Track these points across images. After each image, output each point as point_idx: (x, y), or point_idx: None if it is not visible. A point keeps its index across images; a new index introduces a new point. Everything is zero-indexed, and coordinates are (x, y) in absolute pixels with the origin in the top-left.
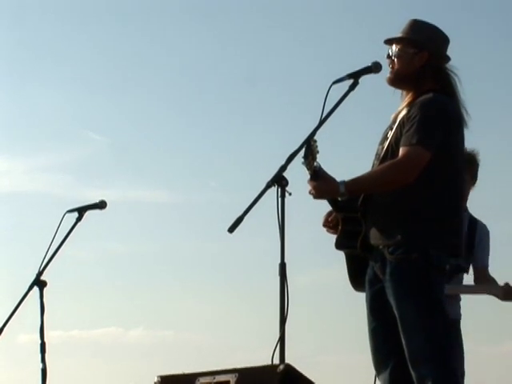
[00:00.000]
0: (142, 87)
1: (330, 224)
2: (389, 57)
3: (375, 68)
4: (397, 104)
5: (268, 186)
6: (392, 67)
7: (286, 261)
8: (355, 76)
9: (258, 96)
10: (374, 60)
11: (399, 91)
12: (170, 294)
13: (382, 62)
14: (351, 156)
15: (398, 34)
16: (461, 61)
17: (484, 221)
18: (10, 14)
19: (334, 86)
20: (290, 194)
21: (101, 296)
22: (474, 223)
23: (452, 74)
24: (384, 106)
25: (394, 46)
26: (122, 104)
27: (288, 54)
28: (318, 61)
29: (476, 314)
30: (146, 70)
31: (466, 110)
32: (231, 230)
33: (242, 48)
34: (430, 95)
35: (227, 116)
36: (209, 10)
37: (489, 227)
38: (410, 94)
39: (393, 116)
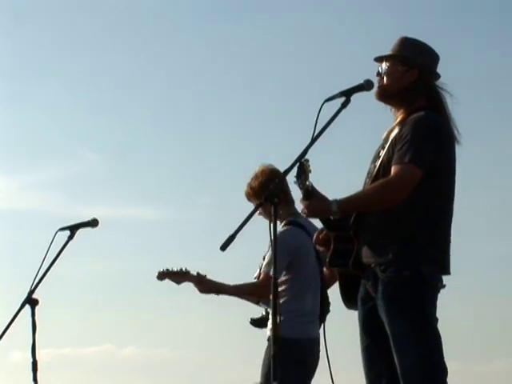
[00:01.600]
0: (135, 104)
1: (321, 242)
2: (378, 74)
3: (367, 86)
4: (389, 122)
5: (260, 203)
6: (381, 83)
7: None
8: (347, 94)
9: (250, 113)
10: (365, 78)
11: (390, 110)
12: (162, 312)
13: (374, 80)
14: (343, 174)
15: (388, 52)
16: (451, 76)
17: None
18: (6, 31)
19: (325, 104)
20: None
21: (93, 314)
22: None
23: (442, 91)
24: (376, 124)
25: (383, 64)
26: (115, 121)
27: (282, 71)
28: (311, 79)
29: (465, 331)
30: (138, 88)
31: (456, 128)
32: (223, 248)
33: (234, 66)
34: (422, 113)
35: (219, 133)
36: (201, 31)
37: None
38: (401, 112)
39: (385, 134)
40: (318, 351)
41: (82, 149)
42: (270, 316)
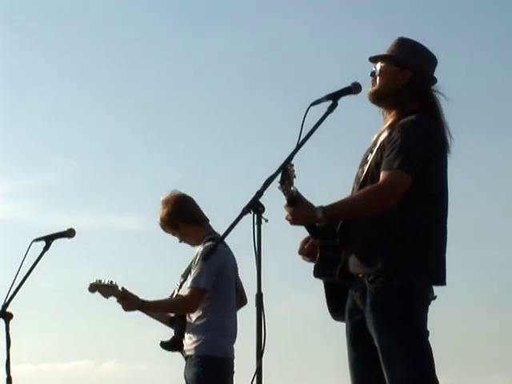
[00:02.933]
0: (112, 110)
1: (306, 251)
2: (372, 74)
3: (355, 89)
4: (378, 126)
5: (244, 212)
6: (374, 84)
7: (263, 290)
8: (334, 97)
9: (233, 120)
10: (353, 81)
11: (381, 114)
12: (143, 326)
13: (362, 83)
14: (330, 180)
15: (384, 52)
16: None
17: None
18: None
19: (311, 108)
20: (266, 220)
21: (71, 328)
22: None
23: (437, 95)
24: (364, 128)
25: (378, 64)
26: (92, 128)
27: (269, 75)
28: (296, 82)
29: (461, 344)
30: (116, 94)
31: (449, 134)
32: (206, 258)
33: (218, 72)
34: (413, 117)
35: (200, 141)
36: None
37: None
38: (391, 115)
39: (374, 138)
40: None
41: (58, 156)
42: (188, 336)
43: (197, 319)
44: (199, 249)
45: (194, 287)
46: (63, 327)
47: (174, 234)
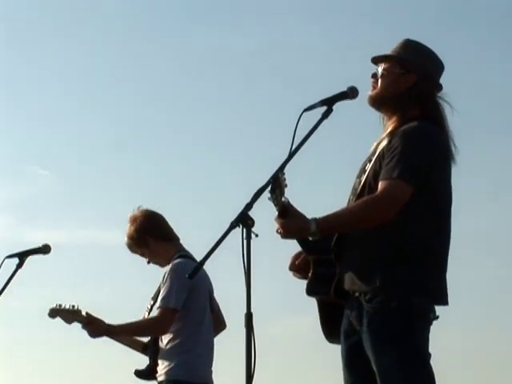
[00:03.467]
0: (89, 118)
1: (297, 267)
2: (374, 76)
3: (351, 93)
4: (377, 133)
5: (232, 226)
6: (375, 86)
7: (253, 310)
8: (329, 102)
9: (222, 128)
10: (350, 85)
11: (381, 120)
12: (117, 353)
13: (359, 87)
14: (324, 191)
15: (388, 53)
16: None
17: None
18: None
19: (305, 114)
20: (256, 235)
21: (46, 351)
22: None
23: (442, 102)
24: (362, 136)
25: (380, 65)
26: (68, 136)
27: (258, 81)
28: (288, 87)
29: (466, 368)
30: (93, 101)
31: (453, 143)
32: (191, 276)
33: (204, 78)
34: (415, 123)
35: (182, 151)
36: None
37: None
38: (392, 121)
39: (373, 146)
40: None
41: (32, 166)
42: (160, 361)
43: (168, 342)
44: (168, 267)
45: (163, 307)
46: (38, 350)
47: (142, 254)
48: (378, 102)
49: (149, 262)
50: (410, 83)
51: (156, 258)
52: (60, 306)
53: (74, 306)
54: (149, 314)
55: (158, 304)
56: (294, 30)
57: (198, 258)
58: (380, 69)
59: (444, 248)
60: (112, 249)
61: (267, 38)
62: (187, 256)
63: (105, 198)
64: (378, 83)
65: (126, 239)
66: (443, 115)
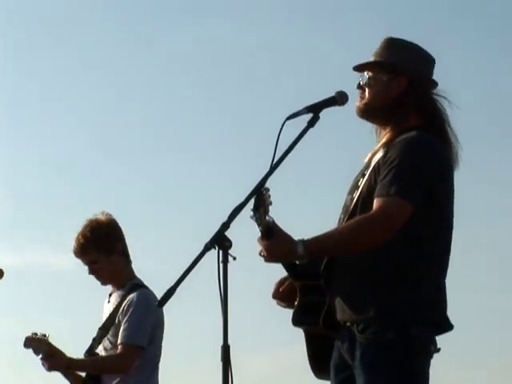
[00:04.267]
0: (41, 131)
1: (282, 295)
2: (360, 87)
3: (341, 99)
4: (370, 143)
5: (206, 248)
6: (363, 97)
7: (230, 342)
8: (315, 109)
9: (191, 136)
10: (338, 89)
11: (374, 130)
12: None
13: (348, 92)
14: (312, 208)
15: (370, 58)
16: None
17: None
18: None
19: (288, 123)
20: (234, 258)
21: None
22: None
23: (440, 100)
24: (354, 147)
25: (365, 74)
26: (18, 150)
27: (239, 82)
28: (272, 91)
29: None
30: (45, 113)
31: (457, 150)
32: (161, 304)
33: (175, 98)
34: (413, 133)
35: (150, 163)
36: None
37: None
38: (387, 132)
39: (366, 159)
40: None
41: None
42: None
43: (119, 383)
44: (132, 297)
45: (128, 344)
46: None
47: (94, 262)
48: (367, 114)
49: (93, 273)
50: (402, 87)
51: (110, 274)
52: (35, 334)
53: (45, 335)
54: (97, 347)
55: (121, 339)
56: (294, 31)
57: (165, 285)
58: (365, 77)
59: (444, 272)
60: (67, 274)
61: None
62: (147, 287)
63: (59, 220)
64: (365, 93)
65: (80, 238)
66: (444, 119)
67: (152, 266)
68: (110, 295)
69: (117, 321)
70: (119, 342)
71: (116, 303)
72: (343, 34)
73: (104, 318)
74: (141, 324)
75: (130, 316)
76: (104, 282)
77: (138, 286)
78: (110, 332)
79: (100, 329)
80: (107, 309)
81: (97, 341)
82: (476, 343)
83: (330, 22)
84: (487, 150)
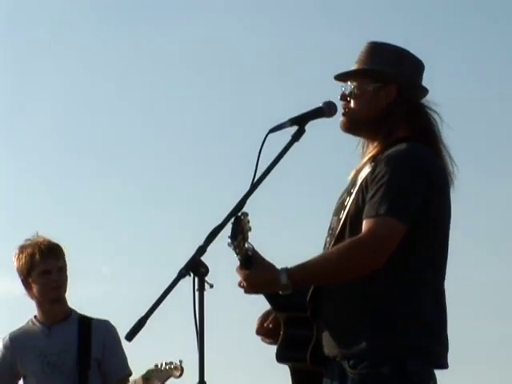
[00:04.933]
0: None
1: (266, 330)
2: (343, 98)
3: (328, 110)
4: (357, 157)
5: (181, 275)
6: (347, 110)
7: (206, 379)
8: (300, 121)
9: (164, 153)
10: (326, 100)
11: (360, 144)
12: None
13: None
14: (296, 232)
15: (353, 66)
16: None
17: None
18: None
19: (270, 136)
20: (211, 286)
21: None
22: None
23: (431, 113)
24: (341, 162)
25: (348, 83)
26: None
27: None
28: (253, 100)
29: None
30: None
31: (452, 163)
32: (130, 337)
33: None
34: (403, 146)
35: (123, 182)
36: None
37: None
38: (375, 145)
39: (352, 175)
40: None
41: None
42: None
43: None
44: (108, 335)
45: (128, 375)
46: None
47: (60, 267)
48: (353, 128)
49: (60, 280)
50: (390, 97)
51: (64, 290)
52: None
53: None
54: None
55: (121, 375)
56: (294, 32)
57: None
58: (349, 87)
59: (442, 299)
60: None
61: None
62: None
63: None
64: (350, 104)
65: (51, 241)
66: (436, 130)
67: (121, 293)
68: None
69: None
70: (119, 377)
71: (70, 339)
72: (332, 40)
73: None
74: (126, 357)
75: (112, 351)
76: (61, 296)
77: (82, 317)
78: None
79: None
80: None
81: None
82: (479, 379)
83: (320, 23)
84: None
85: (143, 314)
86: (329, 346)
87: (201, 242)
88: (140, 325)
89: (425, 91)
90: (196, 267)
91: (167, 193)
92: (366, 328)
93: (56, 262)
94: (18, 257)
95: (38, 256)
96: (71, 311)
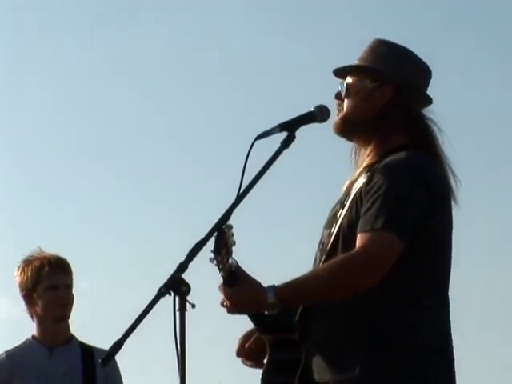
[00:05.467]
0: None
1: (247, 352)
2: (338, 96)
3: (320, 114)
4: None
5: (161, 294)
6: (341, 109)
7: None
8: (290, 127)
9: (143, 168)
10: (318, 103)
11: (353, 151)
12: None
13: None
14: (283, 247)
15: (355, 62)
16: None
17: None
18: None
19: (258, 143)
20: (193, 305)
21: None
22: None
23: (430, 123)
24: (334, 171)
25: (346, 80)
26: None
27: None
28: (238, 105)
29: None
30: None
31: (453, 174)
32: (105, 362)
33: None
34: (402, 155)
35: (89, 194)
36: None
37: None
38: (369, 152)
39: (345, 186)
40: None
41: None
42: None
43: None
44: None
45: None
46: None
47: (67, 285)
48: (347, 129)
49: (68, 299)
50: (387, 97)
51: (70, 309)
52: None
53: None
54: None
55: None
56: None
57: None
58: (346, 85)
59: (444, 322)
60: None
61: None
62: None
63: None
64: (344, 104)
65: (60, 256)
66: (435, 137)
67: (98, 311)
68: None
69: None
70: None
71: (74, 363)
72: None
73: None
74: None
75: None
76: (66, 315)
77: (87, 345)
78: None
79: None
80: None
81: None
82: None
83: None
84: None
85: (119, 336)
86: (319, 371)
87: (182, 258)
88: (115, 349)
89: (428, 99)
90: (177, 285)
91: (147, 204)
92: (359, 351)
93: (65, 278)
94: (23, 270)
95: (46, 269)
96: (72, 336)
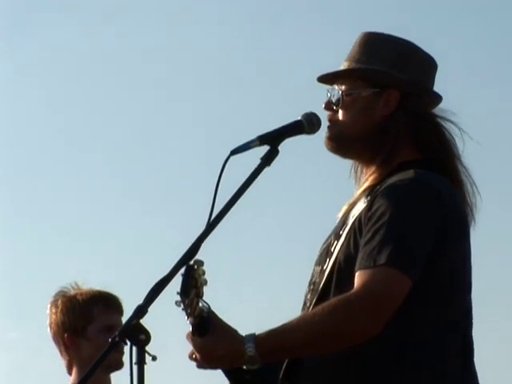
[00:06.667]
0: None
1: None
2: (328, 106)
3: (309, 124)
4: (349, 188)
5: (114, 344)
6: (333, 122)
7: None
8: (272, 140)
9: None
10: (307, 110)
11: (353, 169)
12: None
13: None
14: (265, 286)
15: (343, 64)
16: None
17: None
18: None
19: (233, 159)
20: (153, 358)
21: None
22: None
23: (447, 126)
24: (328, 191)
25: (336, 88)
26: None
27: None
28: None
29: None
30: None
31: (473, 192)
32: None
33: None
34: (409, 174)
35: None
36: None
37: None
38: (371, 171)
39: (342, 211)
40: None
41: None
42: None
43: None
44: None
45: None
46: None
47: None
48: (342, 147)
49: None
50: (392, 106)
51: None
52: None
53: None
54: None
55: None
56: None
57: None
58: (336, 93)
59: (464, 363)
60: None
61: None
62: None
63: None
64: (337, 116)
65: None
66: (454, 150)
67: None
68: None
69: None
70: None
71: None
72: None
73: None
74: None
75: None
76: (122, 364)
77: None
78: None
79: None
80: None
81: None
82: None
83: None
84: None
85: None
86: None
87: (140, 300)
88: None
89: (437, 98)
90: (134, 333)
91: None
92: None
93: (120, 319)
94: (65, 306)
95: (101, 307)
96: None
